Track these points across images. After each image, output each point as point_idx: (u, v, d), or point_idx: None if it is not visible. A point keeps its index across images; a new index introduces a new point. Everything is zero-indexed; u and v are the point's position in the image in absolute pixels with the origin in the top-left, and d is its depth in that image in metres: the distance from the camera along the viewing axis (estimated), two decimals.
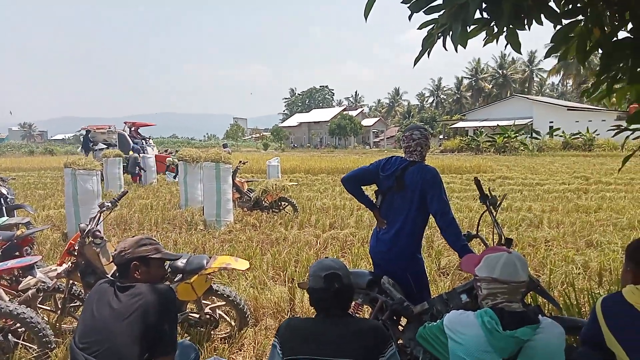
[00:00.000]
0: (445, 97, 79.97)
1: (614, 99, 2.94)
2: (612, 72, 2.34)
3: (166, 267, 2.47)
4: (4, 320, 3.29)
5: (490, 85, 70.61)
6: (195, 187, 10.24)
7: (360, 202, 3.44)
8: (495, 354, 1.77)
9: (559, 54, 2.65)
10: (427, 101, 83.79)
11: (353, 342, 1.94)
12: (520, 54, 2.58)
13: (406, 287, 3.10)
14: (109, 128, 21.82)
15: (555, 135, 33.74)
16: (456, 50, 2.67)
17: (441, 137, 49.28)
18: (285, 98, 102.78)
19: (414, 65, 2.83)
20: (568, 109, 40.76)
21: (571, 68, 47.07)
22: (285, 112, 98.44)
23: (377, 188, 3.32)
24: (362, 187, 3.37)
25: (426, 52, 2.75)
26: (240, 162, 10.37)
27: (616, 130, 2.68)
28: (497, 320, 1.80)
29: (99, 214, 3.89)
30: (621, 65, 2.40)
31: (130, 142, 20.80)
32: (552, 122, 38.92)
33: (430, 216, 3.12)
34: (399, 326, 3.12)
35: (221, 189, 8.23)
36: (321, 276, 2.05)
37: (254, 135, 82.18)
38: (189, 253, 4.10)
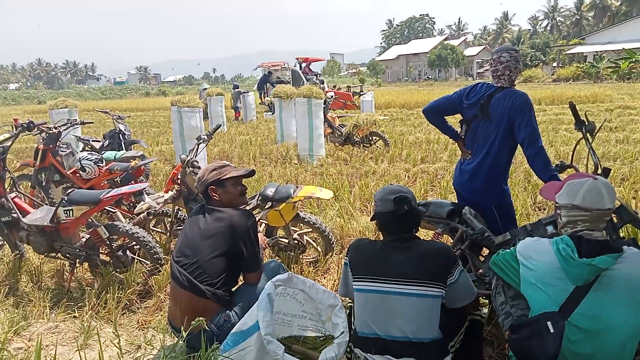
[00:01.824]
0: (562, 19, 71.66)
1: None
2: None
3: (243, 184, 2.65)
4: (122, 238, 3.80)
5: (619, 3, 61.42)
6: (290, 122, 10.52)
7: (443, 133, 3.32)
8: (568, 280, 1.72)
9: None
10: (540, 25, 75.81)
11: (419, 264, 1.98)
12: None
13: (490, 219, 3.02)
14: (283, 65, 21.83)
15: None
16: None
17: (555, 64, 44.67)
18: (383, 30, 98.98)
19: None
20: None
21: None
22: (383, 44, 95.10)
23: (461, 118, 3.18)
24: (445, 117, 3.24)
25: None
26: (331, 96, 10.37)
27: None
28: (574, 248, 1.72)
29: (196, 146, 4.22)
30: None
31: (304, 78, 20.79)
32: None
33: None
34: (480, 256, 3.09)
35: (313, 124, 8.38)
36: (390, 199, 2.09)
37: (350, 71, 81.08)
38: (278, 183, 4.33)
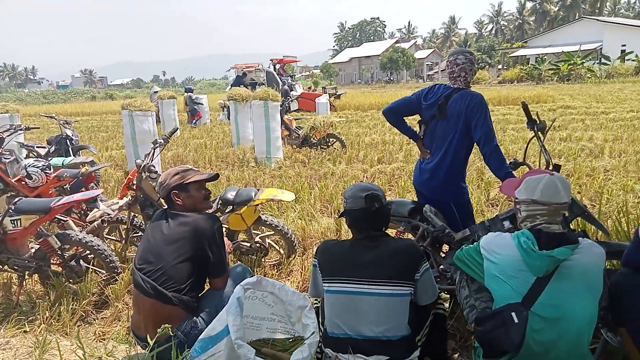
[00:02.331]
0: (505, 23, 74.94)
1: None
2: None
3: (207, 188, 2.60)
4: (75, 247, 3.63)
5: (557, 8, 64.99)
6: (246, 125, 10.43)
7: (403, 133, 3.39)
8: (529, 272, 1.79)
9: None
10: (485, 29, 78.91)
11: (389, 262, 2.01)
12: None
13: (449, 216, 3.11)
14: (257, 66, 20.83)
15: (628, 60, 30.95)
16: None
17: (500, 66, 46.58)
18: (335, 33, 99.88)
19: None
20: None
21: None
22: (335, 47, 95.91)
23: (420, 118, 3.26)
24: (404, 117, 3.32)
25: None
26: (286, 98, 10.35)
27: None
28: (534, 240, 1.80)
29: (152, 150, 4.09)
30: None
31: (279, 79, 20.00)
32: (624, 45, 35.59)
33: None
34: (441, 252, 3.17)
35: (270, 126, 8.34)
36: (362, 197, 2.10)
37: (303, 74, 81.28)
38: (237, 186, 4.27)
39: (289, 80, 20.55)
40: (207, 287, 2.50)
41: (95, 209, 4.06)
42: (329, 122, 9.21)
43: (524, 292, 1.79)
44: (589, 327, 1.79)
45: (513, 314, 1.76)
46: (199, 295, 2.37)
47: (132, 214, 4.03)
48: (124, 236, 4.16)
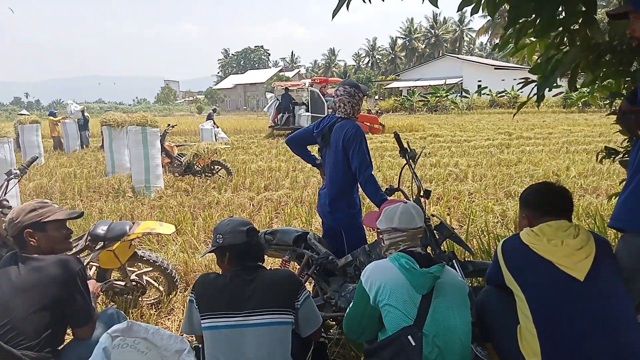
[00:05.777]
0: (380, 57, 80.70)
1: (525, 54, 3.04)
2: (518, 26, 2.41)
3: (68, 227, 2.32)
4: None
5: (423, 45, 71.96)
6: (122, 153, 9.80)
7: (305, 161, 3.54)
8: (415, 292, 1.85)
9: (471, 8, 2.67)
10: (362, 61, 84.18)
11: (268, 293, 1.99)
12: (437, 7, 2.59)
13: (341, 241, 3.18)
14: (302, 86, 19.47)
15: (483, 94, 35.12)
16: (370, 2, 2.71)
17: (377, 97, 49.87)
18: (220, 59, 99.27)
19: (332, 18, 2.78)
20: (495, 68, 42.32)
21: (498, 27, 48.74)
22: (219, 74, 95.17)
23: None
24: (306, 146, 3.47)
25: (344, 4, 2.68)
26: (168, 125, 9.97)
27: (522, 83, 2.77)
28: (413, 260, 1.89)
29: (6, 182, 3.62)
30: (529, 18, 2.46)
31: (324, 101, 18.49)
32: (480, 81, 40.37)
33: None
34: (326, 280, 3.19)
35: (149, 154, 7.89)
36: (243, 231, 2.10)
37: (187, 99, 79.21)
38: (111, 220, 3.92)
39: (332, 102, 19.60)
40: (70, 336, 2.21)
41: None
42: (213, 149, 8.99)
43: (413, 314, 1.82)
44: (467, 338, 1.87)
45: (409, 337, 1.78)
46: (59, 348, 2.07)
47: None
48: None
